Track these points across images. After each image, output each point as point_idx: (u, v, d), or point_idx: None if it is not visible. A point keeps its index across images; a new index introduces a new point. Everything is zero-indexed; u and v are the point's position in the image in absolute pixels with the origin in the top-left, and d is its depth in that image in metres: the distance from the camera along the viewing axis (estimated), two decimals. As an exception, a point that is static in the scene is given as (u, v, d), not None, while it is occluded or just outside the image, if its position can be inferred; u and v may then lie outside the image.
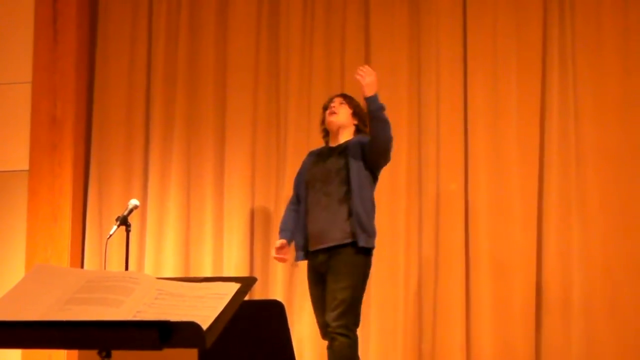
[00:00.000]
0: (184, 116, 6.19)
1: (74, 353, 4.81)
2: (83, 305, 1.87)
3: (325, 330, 4.75)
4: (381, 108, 4.71)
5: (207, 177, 6.10)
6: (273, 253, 4.96)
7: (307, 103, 6.01)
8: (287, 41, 6.11)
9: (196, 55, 6.24)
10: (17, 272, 6.01)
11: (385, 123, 4.73)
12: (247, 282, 1.96)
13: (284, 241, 4.91)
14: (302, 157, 5.82)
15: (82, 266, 6.11)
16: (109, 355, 1.83)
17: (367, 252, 4.77)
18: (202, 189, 6.10)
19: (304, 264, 5.03)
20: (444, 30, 5.88)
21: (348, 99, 5.11)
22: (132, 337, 1.75)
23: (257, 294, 5.76)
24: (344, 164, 4.82)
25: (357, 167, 4.80)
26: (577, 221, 5.56)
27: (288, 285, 5.85)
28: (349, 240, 4.71)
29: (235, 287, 1.92)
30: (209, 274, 5.88)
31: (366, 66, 4.78)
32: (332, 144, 5.05)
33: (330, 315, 4.65)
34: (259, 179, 6.04)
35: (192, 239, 6.08)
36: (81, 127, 6.25)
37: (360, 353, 4.80)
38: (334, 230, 4.75)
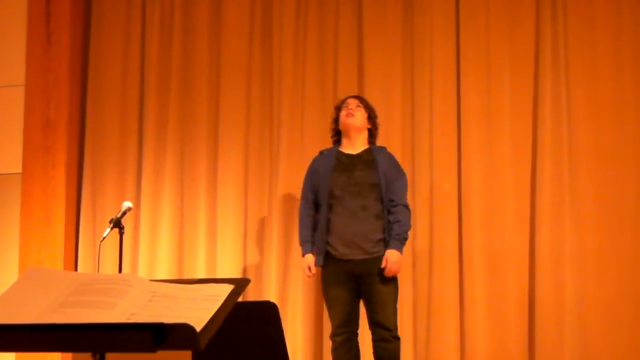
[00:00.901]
0: (178, 118, 6.19)
1: (68, 356, 4.81)
2: (76, 308, 1.87)
3: (351, 329, 4.88)
4: (406, 238, 4.94)
5: (200, 178, 6.10)
6: (305, 270, 4.99)
7: (300, 103, 6.01)
8: (280, 41, 6.11)
9: (189, 56, 6.24)
10: (10, 274, 6.00)
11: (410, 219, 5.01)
12: (240, 284, 1.96)
13: (312, 256, 4.98)
14: (295, 157, 5.85)
15: (75, 269, 6.10)
16: (102, 357, 1.83)
17: None
18: (196, 190, 6.10)
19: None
20: (437, 31, 5.89)
21: (364, 102, 5.17)
22: (125, 339, 1.75)
23: (250, 295, 5.76)
24: (376, 181, 4.91)
25: (387, 185, 4.92)
26: (569, 220, 5.57)
27: (282, 286, 5.85)
28: (384, 251, 4.85)
29: (228, 288, 1.93)
30: (202, 276, 5.88)
31: (387, 263, 4.82)
32: (347, 147, 5.08)
33: (389, 320, 4.83)
34: (252, 180, 6.05)
35: (185, 240, 6.08)
36: (74, 129, 6.25)
37: (343, 354, 4.89)
38: (371, 242, 4.86)
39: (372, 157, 5.01)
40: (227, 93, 6.15)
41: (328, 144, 5.91)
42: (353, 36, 6.03)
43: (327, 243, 4.91)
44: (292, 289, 5.83)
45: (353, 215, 4.88)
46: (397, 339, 4.86)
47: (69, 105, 6.16)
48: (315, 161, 5.21)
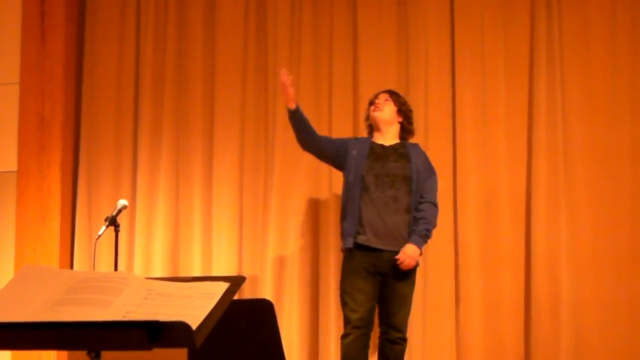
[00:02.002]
0: (173, 116, 6.18)
1: (64, 354, 4.81)
2: (72, 306, 1.87)
3: (370, 326, 4.87)
4: (427, 237, 4.96)
5: (195, 176, 6.10)
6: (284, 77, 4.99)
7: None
8: (275, 39, 6.11)
9: (184, 55, 6.23)
10: (6, 273, 6.00)
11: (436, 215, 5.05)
12: (236, 282, 1.96)
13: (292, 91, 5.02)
14: (290, 156, 5.86)
15: (71, 267, 6.09)
16: (98, 355, 1.83)
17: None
18: (191, 188, 6.10)
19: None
20: (431, 28, 5.89)
21: (394, 96, 5.18)
22: (121, 337, 1.75)
23: (246, 293, 5.76)
24: (409, 174, 4.95)
25: (417, 183, 4.95)
26: (565, 217, 5.58)
27: (277, 284, 5.85)
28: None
29: (224, 286, 1.93)
30: (198, 274, 5.87)
31: (403, 255, 4.83)
32: (379, 139, 5.09)
33: (403, 323, 4.90)
34: (247, 179, 6.04)
35: (181, 238, 6.07)
36: (69, 127, 6.24)
37: (358, 349, 4.88)
38: (403, 236, 4.88)
39: (406, 150, 5.04)
40: (222, 91, 6.14)
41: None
42: (348, 34, 6.03)
43: (357, 232, 4.89)
44: (288, 287, 5.83)
45: (385, 206, 4.88)
46: (406, 340, 4.91)
47: (64, 104, 6.15)
48: (350, 140, 5.23)
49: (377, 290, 4.87)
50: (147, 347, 1.72)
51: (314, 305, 5.77)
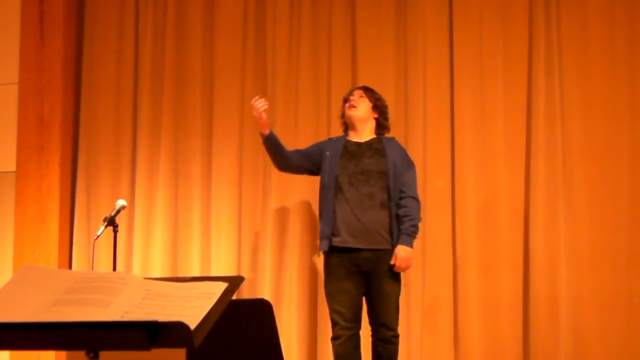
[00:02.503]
0: (171, 116, 6.18)
1: (62, 354, 4.81)
2: (71, 306, 1.87)
3: (358, 326, 4.85)
4: (416, 232, 4.90)
5: (194, 176, 6.10)
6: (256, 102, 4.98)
7: (294, 102, 6.01)
8: (274, 40, 6.11)
9: (183, 55, 6.24)
10: (4, 273, 6.00)
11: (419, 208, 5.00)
12: (234, 282, 1.96)
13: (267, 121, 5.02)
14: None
15: (69, 267, 6.10)
16: (96, 356, 1.83)
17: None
18: (190, 188, 6.10)
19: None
20: (430, 28, 5.89)
21: (369, 92, 5.13)
22: (120, 337, 1.75)
23: (244, 293, 5.77)
24: (384, 169, 4.88)
25: (395, 176, 4.88)
26: (564, 218, 5.58)
27: (276, 284, 5.85)
28: (390, 247, 4.83)
29: (222, 286, 1.93)
30: (196, 274, 5.88)
31: (397, 260, 4.81)
32: (354, 137, 5.05)
33: (391, 320, 4.82)
34: (246, 179, 6.04)
35: (179, 238, 6.08)
36: (68, 127, 6.24)
37: (350, 350, 4.86)
38: (380, 233, 4.83)
39: (381, 145, 4.99)
40: (220, 91, 6.15)
41: (322, 142, 5.92)
42: (346, 35, 6.03)
43: (332, 233, 4.87)
44: (286, 287, 5.83)
45: (360, 204, 4.84)
46: (397, 337, 4.86)
47: (63, 104, 6.16)
48: (324, 143, 5.21)
49: (362, 289, 4.84)
50: (146, 347, 1.72)
51: (313, 306, 5.77)
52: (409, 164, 5.04)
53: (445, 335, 5.59)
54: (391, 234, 4.84)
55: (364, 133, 5.04)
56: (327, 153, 5.03)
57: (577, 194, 5.59)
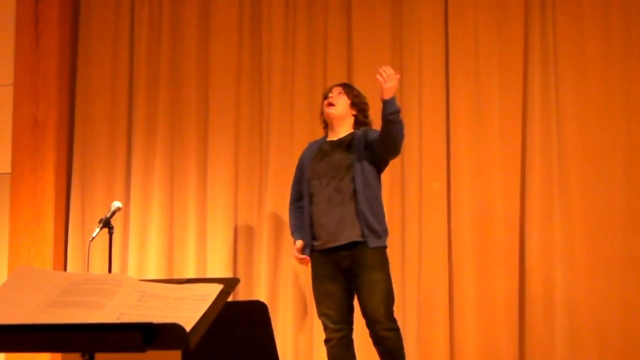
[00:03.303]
0: (167, 117, 6.18)
1: (58, 356, 4.81)
2: (66, 308, 1.87)
3: (347, 327, 4.73)
4: (398, 111, 4.60)
5: (190, 178, 6.10)
6: (295, 253, 4.86)
7: (289, 103, 6.01)
8: (270, 41, 6.11)
9: (178, 56, 6.24)
10: (-1, 274, 5.99)
11: (401, 126, 4.65)
12: (230, 283, 1.96)
13: (302, 242, 4.85)
14: (285, 156, 5.86)
15: (65, 268, 6.09)
16: (92, 358, 1.83)
17: (382, 248, 4.74)
18: (185, 190, 6.10)
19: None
20: (425, 30, 5.90)
21: (347, 89, 5.01)
22: (115, 339, 1.75)
23: (240, 294, 5.76)
24: (351, 161, 4.73)
25: (362, 165, 4.73)
26: (559, 219, 5.58)
27: (272, 285, 5.85)
28: (362, 239, 4.66)
29: (218, 288, 1.93)
30: (192, 276, 5.87)
31: (389, 68, 4.60)
32: (331, 136, 4.94)
33: (377, 312, 4.61)
34: (242, 180, 6.04)
35: (175, 240, 6.07)
36: (63, 129, 6.23)
37: (343, 352, 4.81)
38: (349, 227, 4.67)
39: (352, 138, 4.85)
40: (216, 92, 6.15)
41: (318, 143, 5.93)
42: (342, 34, 6.04)
43: (312, 236, 4.80)
44: (282, 289, 5.83)
45: (329, 201, 4.74)
46: (393, 330, 4.65)
47: (58, 105, 6.15)
48: (303, 152, 5.12)
49: (347, 288, 4.71)
50: (141, 349, 1.72)
51: (309, 307, 5.76)
52: (373, 132, 4.81)
53: (441, 337, 5.59)
54: (360, 229, 4.66)
55: (341, 130, 4.91)
56: (304, 160, 4.98)
57: (572, 195, 5.59)
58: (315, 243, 4.78)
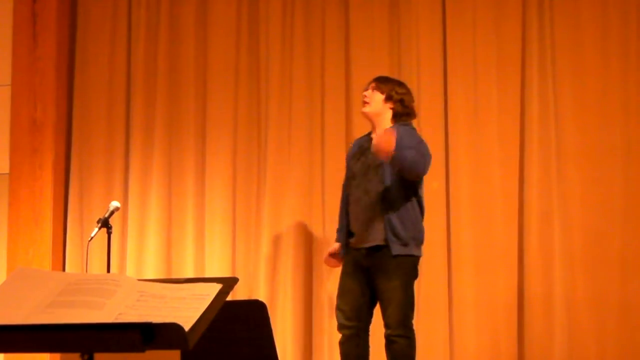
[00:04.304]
0: (165, 118, 6.18)
1: (57, 356, 4.80)
2: (65, 308, 1.87)
3: (359, 324, 4.70)
4: (400, 158, 4.40)
5: (188, 178, 6.09)
6: (325, 254, 4.94)
7: (288, 103, 6.01)
8: (267, 41, 6.11)
9: (176, 57, 6.23)
10: (-2, 275, 5.99)
11: (409, 161, 4.45)
12: (228, 283, 1.96)
13: (337, 245, 4.87)
14: (283, 156, 5.87)
15: (63, 269, 6.08)
16: (91, 358, 1.83)
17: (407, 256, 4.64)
18: (183, 189, 6.09)
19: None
20: (423, 29, 5.89)
21: (382, 83, 4.85)
22: (114, 339, 1.75)
23: (239, 294, 5.75)
24: (380, 161, 4.56)
25: (389, 166, 4.58)
26: (558, 218, 5.59)
27: (270, 285, 5.85)
28: (384, 243, 4.60)
29: (217, 287, 1.93)
30: (190, 275, 5.87)
31: (378, 135, 4.47)
32: (373, 133, 4.78)
33: (388, 317, 4.59)
34: (240, 179, 6.04)
35: (173, 240, 6.07)
36: (62, 129, 6.23)
37: (351, 349, 4.78)
38: (373, 231, 4.62)
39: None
40: (214, 92, 6.14)
41: (316, 142, 5.93)
42: (340, 35, 6.03)
43: (348, 234, 4.78)
44: (281, 288, 5.83)
45: (358, 201, 4.70)
46: (404, 337, 4.59)
47: (56, 106, 6.14)
48: (349, 149, 5.05)
49: (366, 285, 4.67)
50: (140, 348, 1.72)
51: (307, 306, 5.77)
52: (413, 142, 4.58)
53: (440, 335, 5.59)
54: (386, 230, 4.58)
55: (381, 126, 4.73)
56: (348, 159, 4.95)
57: (570, 195, 5.60)
58: (350, 241, 4.77)
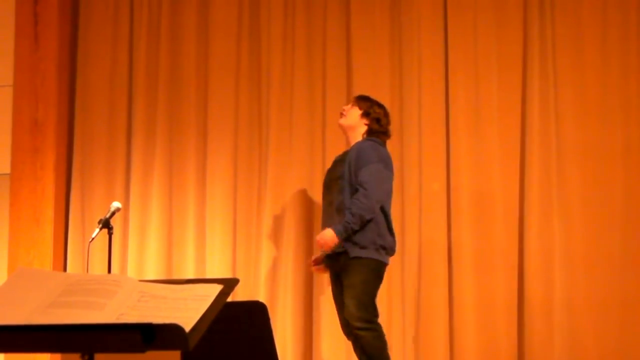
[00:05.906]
0: (166, 118, 6.18)
1: (57, 356, 4.80)
2: (66, 308, 1.87)
3: (346, 328, 4.84)
4: (349, 230, 4.68)
5: (189, 178, 6.09)
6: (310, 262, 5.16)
7: (288, 104, 6.01)
8: (269, 42, 6.11)
9: (178, 58, 6.23)
10: (-1, 275, 5.99)
11: (357, 222, 4.70)
12: (229, 284, 1.96)
13: (319, 254, 5.05)
14: (283, 158, 5.88)
15: (64, 269, 6.09)
16: (92, 358, 1.83)
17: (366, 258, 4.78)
18: (185, 190, 6.09)
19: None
20: (424, 31, 5.89)
21: (361, 101, 5.08)
22: (115, 339, 1.75)
23: (239, 295, 5.75)
24: (341, 174, 4.87)
25: (349, 177, 4.84)
26: (558, 219, 5.59)
27: (271, 286, 5.85)
28: (343, 249, 4.77)
29: (217, 288, 1.93)
30: (191, 276, 5.87)
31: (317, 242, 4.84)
32: (347, 147, 5.09)
33: (348, 313, 4.71)
34: (241, 180, 6.04)
35: (174, 240, 6.07)
36: (63, 129, 6.23)
37: (347, 351, 4.84)
38: None
39: (350, 150, 4.98)
40: (215, 93, 6.14)
41: (317, 143, 5.94)
42: (341, 36, 6.03)
43: None
44: (281, 289, 5.83)
45: (324, 212, 5.00)
46: (365, 330, 4.69)
47: (57, 106, 6.15)
48: None
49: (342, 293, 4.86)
50: (141, 349, 1.72)
51: (308, 307, 5.77)
52: (363, 161, 4.78)
53: (440, 337, 5.59)
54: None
55: (353, 140, 5.02)
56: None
57: (571, 195, 5.60)
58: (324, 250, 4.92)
